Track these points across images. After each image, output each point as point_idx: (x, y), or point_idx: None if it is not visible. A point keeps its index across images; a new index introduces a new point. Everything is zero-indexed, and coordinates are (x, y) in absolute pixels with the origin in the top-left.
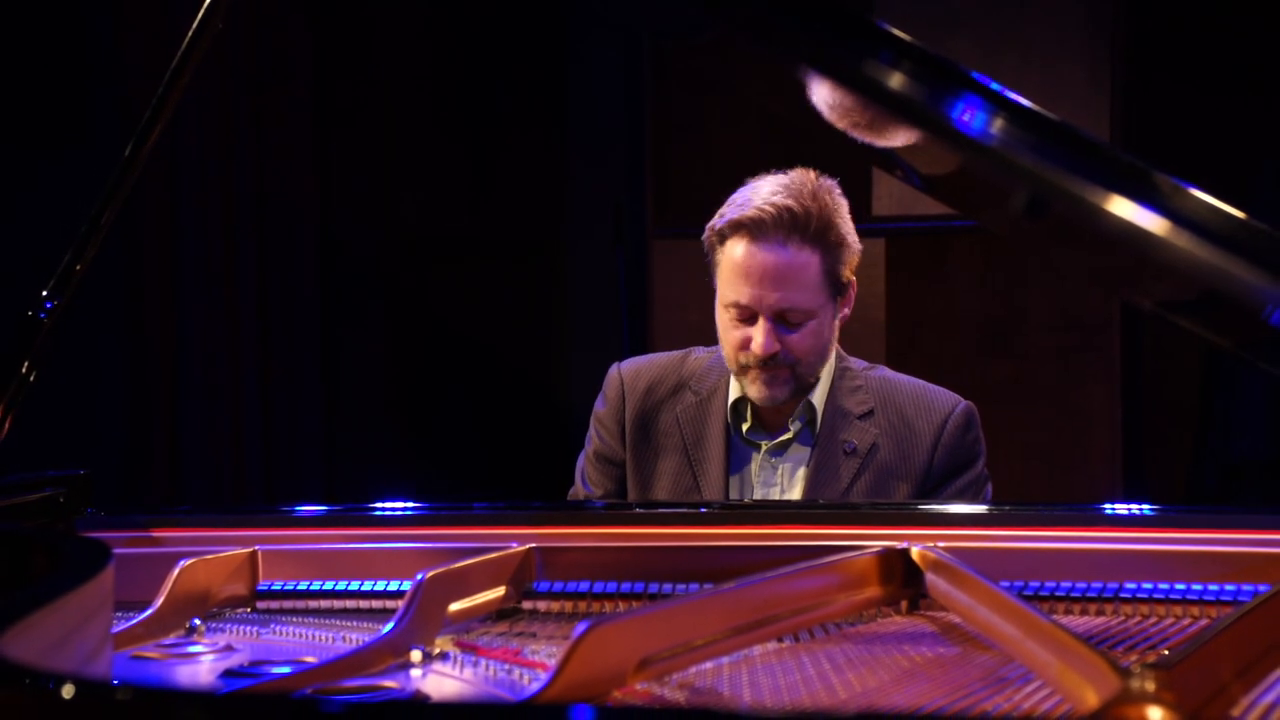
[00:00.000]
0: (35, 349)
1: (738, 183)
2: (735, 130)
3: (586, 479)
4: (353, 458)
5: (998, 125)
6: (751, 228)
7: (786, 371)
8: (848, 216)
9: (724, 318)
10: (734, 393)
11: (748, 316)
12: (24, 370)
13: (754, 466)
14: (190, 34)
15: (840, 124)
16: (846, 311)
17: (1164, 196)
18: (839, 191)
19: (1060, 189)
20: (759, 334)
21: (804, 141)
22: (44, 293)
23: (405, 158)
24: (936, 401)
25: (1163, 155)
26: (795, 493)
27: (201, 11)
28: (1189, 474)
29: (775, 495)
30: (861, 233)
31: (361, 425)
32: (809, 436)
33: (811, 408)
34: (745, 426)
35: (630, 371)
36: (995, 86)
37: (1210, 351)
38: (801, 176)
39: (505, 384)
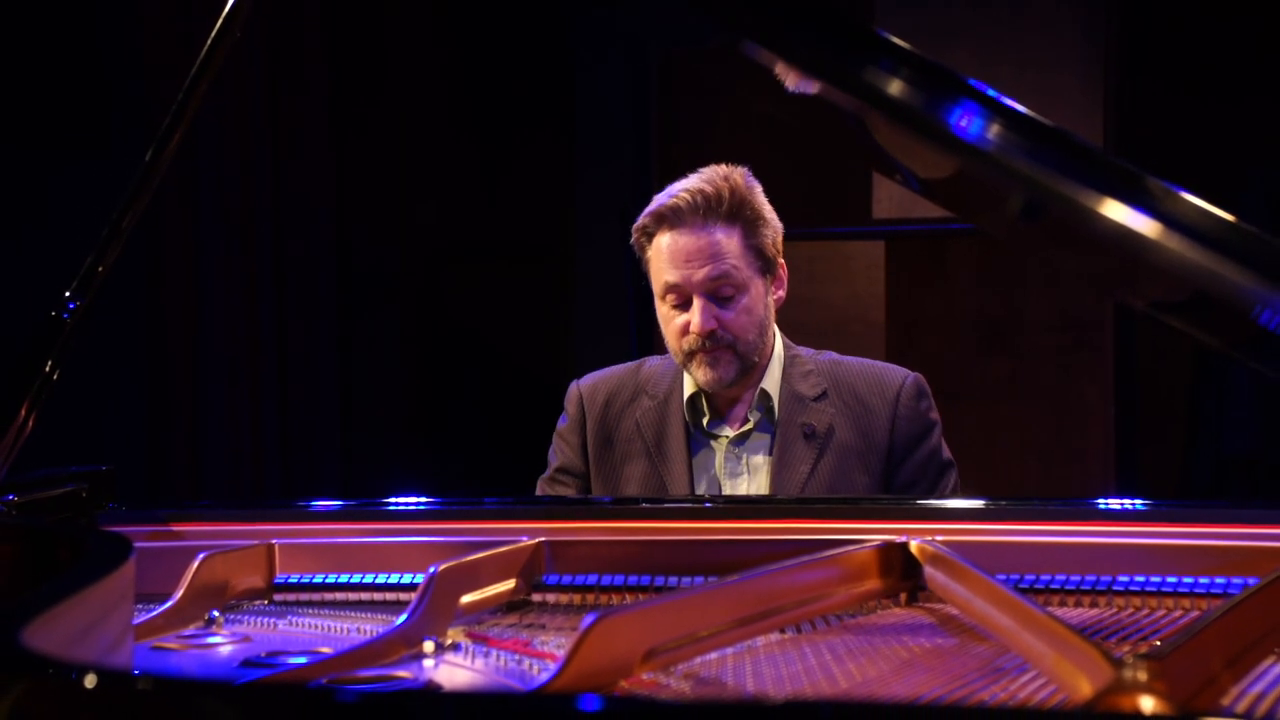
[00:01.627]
0: (58, 348)
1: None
2: (738, 135)
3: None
4: (367, 454)
5: (994, 131)
6: (671, 217)
7: (728, 352)
8: (763, 197)
9: (662, 310)
10: (688, 389)
11: (682, 300)
12: (47, 369)
13: (719, 459)
14: (209, 43)
15: None
16: (781, 294)
17: (1155, 200)
18: (751, 175)
19: (1055, 193)
20: (695, 313)
21: (805, 146)
22: (66, 293)
23: (419, 164)
24: (886, 376)
25: (1154, 160)
26: (761, 480)
27: (220, 21)
28: (1180, 469)
29: (743, 485)
30: (862, 236)
31: (376, 423)
32: (768, 425)
33: (767, 395)
34: (705, 420)
35: (588, 387)
36: (992, 93)
37: (1201, 351)
38: (712, 167)
39: (516, 382)
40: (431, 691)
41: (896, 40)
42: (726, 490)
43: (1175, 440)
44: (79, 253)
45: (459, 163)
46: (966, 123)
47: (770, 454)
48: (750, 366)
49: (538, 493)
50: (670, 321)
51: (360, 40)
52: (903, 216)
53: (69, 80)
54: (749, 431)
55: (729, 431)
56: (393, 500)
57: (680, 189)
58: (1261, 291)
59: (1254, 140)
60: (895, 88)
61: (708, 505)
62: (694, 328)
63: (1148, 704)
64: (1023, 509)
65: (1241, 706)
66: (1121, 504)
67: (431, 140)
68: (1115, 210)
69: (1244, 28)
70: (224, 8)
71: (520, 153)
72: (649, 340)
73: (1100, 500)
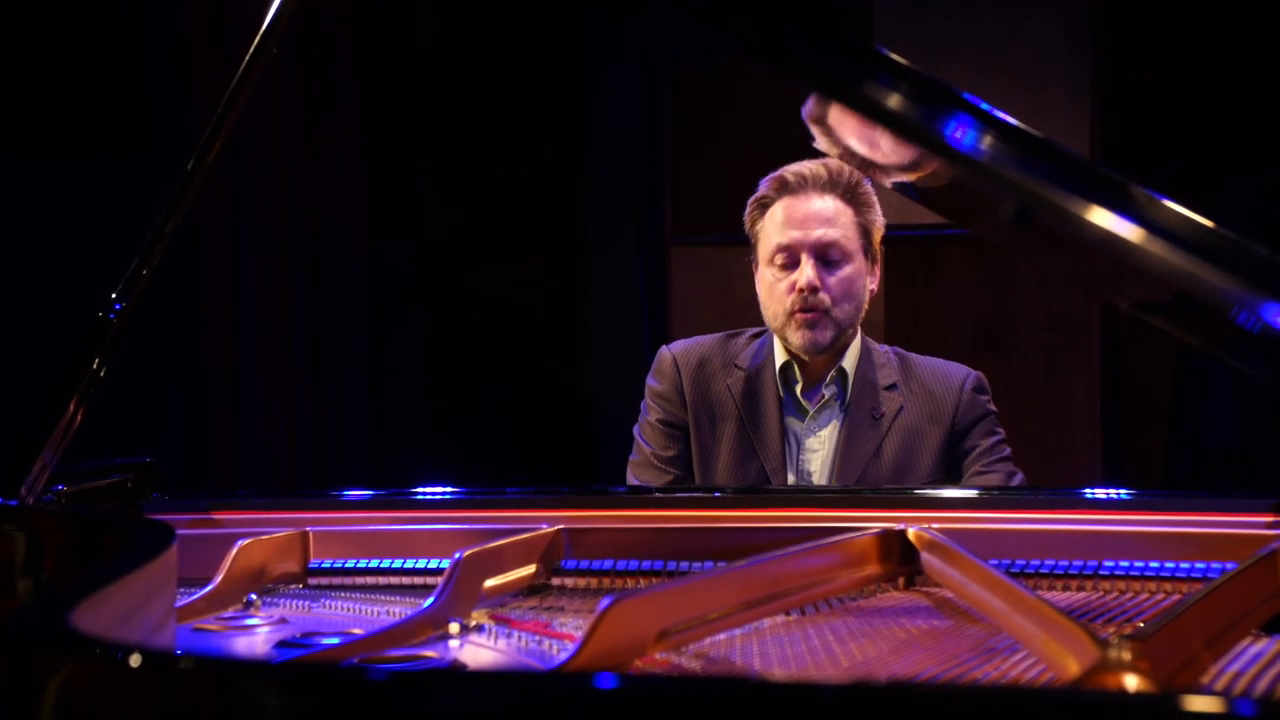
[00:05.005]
0: (105, 347)
1: (750, 191)
2: (746, 144)
3: (652, 444)
4: (396, 446)
5: (987, 142)
6: (794, 185)
7: (826, 317)
8: (874, 192)
9: (767, 274)
10: (780, 359)
11: (790, 261)
12: (95, 367)
13: (800, 431)
14: (247, 58)
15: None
16: (874, 287)
17: (1139, 207)
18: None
19: (1044, 200)
20: (804, 270)
21: (808, 155)
22: (113, 295)
23: (443, 172)
24: (952, 370)
25: (1138, 168)
26: (828, 453)
27: (258, 38)
28: (1163, 461)
29: (817, 457)
30: None
31: (404, 417)
32: (842, 396)
33: (844, 372)
34: (798, 388)
35: (681, 351)
36: (985, 106)
37: (1182, 349)
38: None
39: (535, 379)
40: (457, 670)
41: (895, 56)
42: (806, 457)
43: (1158, 434)
44: (124, 256)
45: (481, 170)
46: (961, 134)
47: (841, 430)
48: (842, 335)
49: (635, 459)
50: (774, 285)
51: (388, 55)
52: (901, 222)
53: (114, 92)
54: (824, 404)
55: (811, 405)
56: (420, 490)
57: (803, 163)
58: (1239, 293)
59: (1232, 150)
60: (894, 100)
61: (717, 495)
62: (800, 283)
63: (1132, 682)
64: (1014, 498)
65: (1220, 684)
66: (1107, 493)
67: (455, 149)
68: (1101, 216)
69: (1222, 46)
70: (262, 25)
71: (539, 161)
72: (662, 339)
73: (1087, 490)
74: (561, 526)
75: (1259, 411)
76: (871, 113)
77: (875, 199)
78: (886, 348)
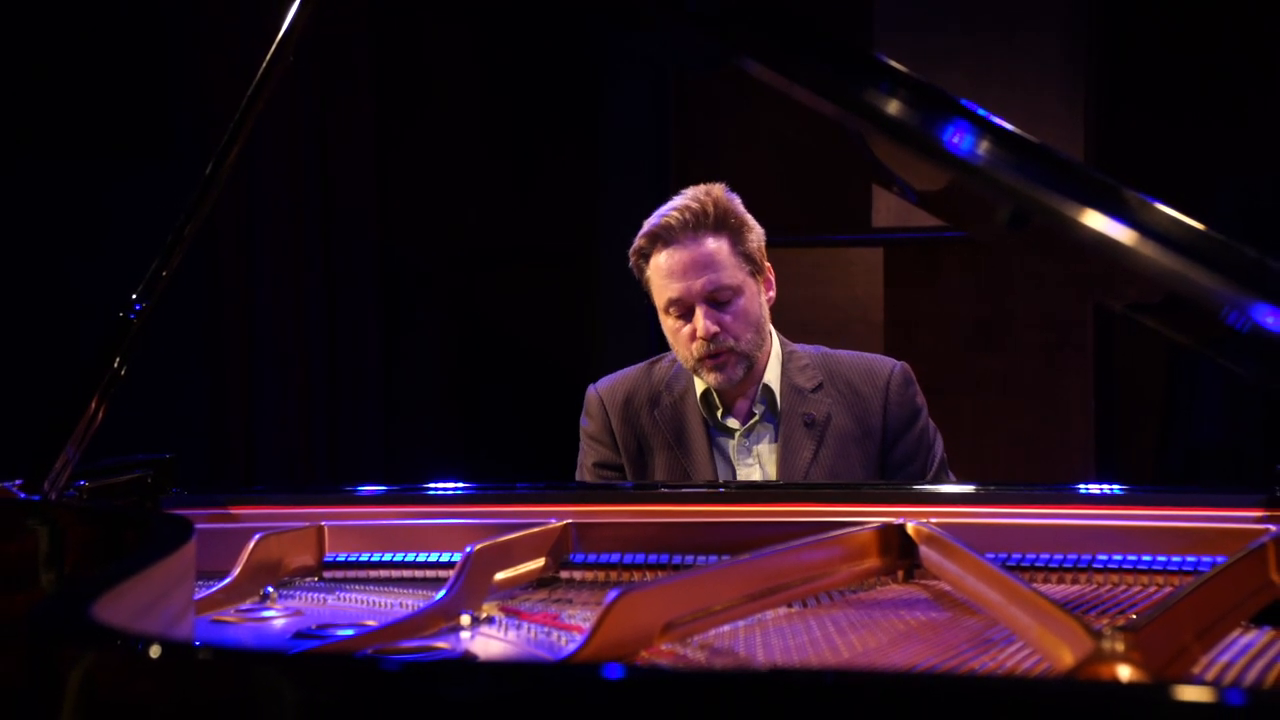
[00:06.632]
0: (125, 346)
1: (752, 195)
2: (749, 150)
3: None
4: (409, 443)
5: (984, 147)
6: (664, 235)
7: (733, 354)
8: (743, 207)
9: (668, 324)
10: (700, 387)
11: (685, 312)
12: (116, 365)
13: (732, 450)
14: (264, 64)
15: None
16: (771, 294)
17: (1132, 210)
18: (729, 189)
19: (1040, 203)
20: (698, 319)
21: (811, 160)
22: (133, 295)
23: (456, 175)
24: (876, 366)
25: (1131, 173)
26: (769, 467)
27: (273, 47)
28: (1155, 458)
29: (754, 473)
30: (862, 243)
31: (417, 414)
32: (772, 417)
33: (769, 390)
34: (719, 414)
35: (607, 389)
36: (982, 112)
37: (1174, 349)
38: (693, 187)
39: (544, 377)
40: (468, 661)
41: (894, 63)
42: (740, 477)
43: (1150, 431)
44: (144, 257)
45: (492, 173)
46: (958, 139)
47: (775, 443)
48: (753, 363)
49: None
50: (677, 333)
51: (403, 61)
52: (900, 225)
53: (134, 95)
54: (755, 424)
55: (738, 425)
56: (432, 485)
57: (668, 209)
58: (1229, 294)
59: (1222, 154)
60: (893, 107)
61: (721, 490)
62: (699, 333)
63: (1125, 672)
64: (1011, 493)
65: (1211, 675)
66: (1101, 489)
67: (467, 153)
68: (1095, 219)
69: (1212, 54)
70: (279, 31)
71: (549, 164)
72: (665, 339)
73: (1082, 485)
74: (570, 521)
75: (1248, 410)
76: (871, 118)
77: (746, 214)
78: (807, 347)
